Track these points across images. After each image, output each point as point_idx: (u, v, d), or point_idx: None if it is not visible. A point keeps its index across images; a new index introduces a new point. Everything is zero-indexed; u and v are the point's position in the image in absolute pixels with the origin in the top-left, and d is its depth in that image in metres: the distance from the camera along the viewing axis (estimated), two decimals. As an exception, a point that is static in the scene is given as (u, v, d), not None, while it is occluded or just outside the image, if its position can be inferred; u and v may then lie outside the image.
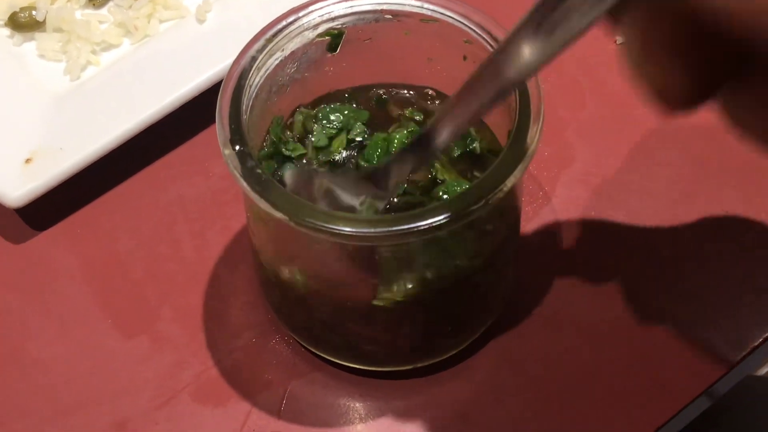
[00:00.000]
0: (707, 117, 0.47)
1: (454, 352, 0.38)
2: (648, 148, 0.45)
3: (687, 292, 0.40)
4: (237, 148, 0.30)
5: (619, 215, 0.43)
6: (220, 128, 0.30)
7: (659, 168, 0.44)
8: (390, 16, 0.34)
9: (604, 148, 0.45)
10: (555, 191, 0.43)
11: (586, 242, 0.42)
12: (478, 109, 0.24)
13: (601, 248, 0.42)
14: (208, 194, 0.44)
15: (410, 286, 0.33)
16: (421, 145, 0.27)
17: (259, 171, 0.29)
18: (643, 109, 0.46)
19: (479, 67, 0.23)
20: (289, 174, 0.31)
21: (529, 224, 0.42)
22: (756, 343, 0.39)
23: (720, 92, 0.22)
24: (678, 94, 0.22)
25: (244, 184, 0.29)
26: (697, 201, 0.43)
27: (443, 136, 0.26)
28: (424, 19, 0.33)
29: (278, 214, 0.28)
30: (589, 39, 0.51)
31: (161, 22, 0.48)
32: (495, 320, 0.39)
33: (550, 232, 0.42)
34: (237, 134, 0.30)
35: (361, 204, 0.29)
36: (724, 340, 0.39)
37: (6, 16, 0.48)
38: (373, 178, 0.29)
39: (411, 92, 0.37)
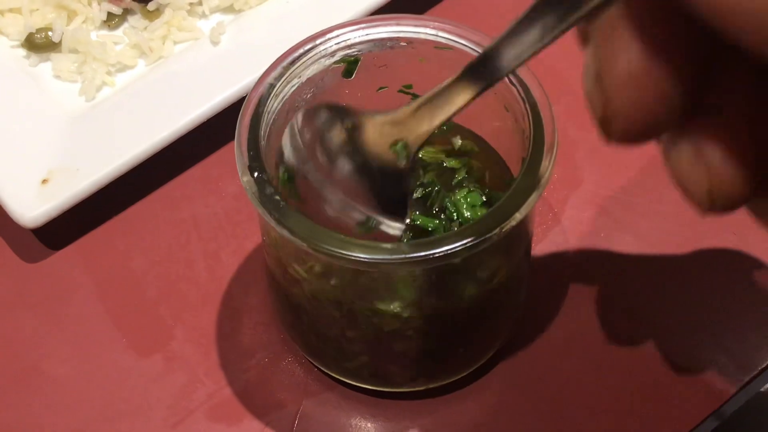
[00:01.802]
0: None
1: (465, 373, 0.38)
2: (657, 170, 0.45)
3: (696, 313, 0.41)
4: (256, 175, 0.30)
5: (629, 237, 0.43)
6: (239, 155, 0.31)
7: (668, 189, 0.44)
8: (405, 44, 0.34)
9: (614, 169, 0.45)
10: (564, 213, 0.44)
11: (596, 264, 0.42)
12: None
13: (610, 270, 0.42)
14: (222, 214, 0.45)
15: (423, 309, 0.33)
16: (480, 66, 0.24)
17: (277, 197, 0.30)
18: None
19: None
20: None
21: (539, 246, 0.43)
22: (765, 364, 0.39)
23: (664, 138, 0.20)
24: (625, 125, 0.19)
25: (263, 210, 0.29)
26: (706, 223, 0.43)
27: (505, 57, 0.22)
28: (439, 47, 0.34)
29: (296, 241, 0.29)
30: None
31: (176, 43, 0.49)
32: (506, 341, 0.39)
33: (560, 253, 0.43)
34: (255, 161, 0.30)
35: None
36: (733, 361, 0.39)
37: (22, 37, 0.49)
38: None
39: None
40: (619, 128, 0.19)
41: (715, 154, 0.19)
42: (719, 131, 0.19)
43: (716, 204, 0.19)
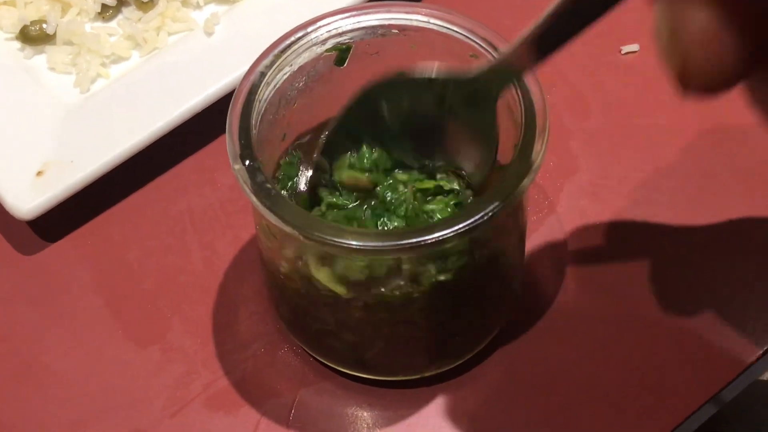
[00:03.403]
0: (711, 128, 0.47)
1: (461, 361, 0.38)
2: (652, 158, 0.45)
3: (693, 300, 0.41)
4: (247, 163, 0.30)
5: (624, 225, 0.43)
6: (230, 143, 0.31)
7: (663, 177, 0.44)
8: (397, 31, 0.34)
9: (609, 157, 0.45)
10: (560, 201, 0.44)
11: (591, 251, 0.42)
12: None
13: (606, 257, 0.42)
14: (217, 204, 0.45)
15: (417, 297, 0.33)
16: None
17: (268, 186, 0.30)
18: (648, 118, 0.46)
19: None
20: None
21: (534, 234, 0.42)
22: (763, 350, 0.39)
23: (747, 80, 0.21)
24: (701, 79, 0.20)
25: (254, 198, 0.29)
26: (701, 210, 0.43)
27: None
28: (430, 33, 0.34)
29: (288, 229, 0.29)
30: (594, 49, 0.52)
31: (170, 34, 0.49)
32: (502, 329, 0.39)
33: (555, 241, 0.43)
34: (247, 149, 0.30)
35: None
36: (731, 347, 0.39)
37: (17, 30, 0.49)
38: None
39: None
40: (698, 83, 0.20)
41: None
42: None
43: None
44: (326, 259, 0.33)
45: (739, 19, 0.19)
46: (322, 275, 0.33)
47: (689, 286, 0.41)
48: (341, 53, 0.34)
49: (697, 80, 0.20)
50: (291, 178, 0.36)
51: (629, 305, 0.41)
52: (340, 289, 0.33)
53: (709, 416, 0.44)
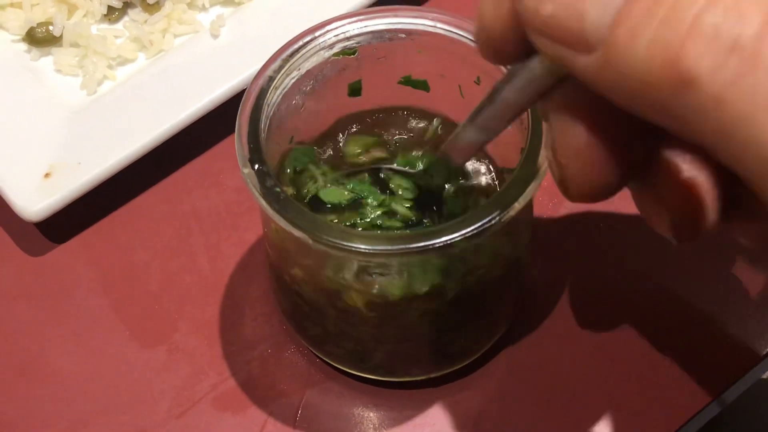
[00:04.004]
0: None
1: (466, 362, 0.39)
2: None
3: (697, 301, 0.41)
4: (256, 167, 0.30)
5: (629, 226, 0.43)
6: (239, 148, 0.31)
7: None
8: (404, 35, 0.34)
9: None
10: (564, 202, 0.44)
11: (596, 253, 0.42)
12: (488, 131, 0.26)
13: (611, 259, 0.42)
14: (223, 206, 0.45)
15: (423, 298, 0.34)
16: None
17: (277, 189, 0.30)
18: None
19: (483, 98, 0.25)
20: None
21: (539, 235, 0.43)
22: (766, 351, 0.39)
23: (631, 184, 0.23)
24: (581, 189, 0.22)
25: (264, 202, 0.30)
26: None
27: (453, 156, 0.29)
28: (437, 38, 0.34)
29: (297, 232, 0.29)
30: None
31: (176, 36, 0.49)
32: (506, 330, 0.39)
33: (560, 242, 0.43)
34: (256, 153, 0.31)
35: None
36: (734, 347, 0.39)
37: (23, 32, 0.49)
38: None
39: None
40: (574, 191, 0.22)
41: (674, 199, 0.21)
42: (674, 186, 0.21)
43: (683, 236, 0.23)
44: (331, 263, 0.33)
45: (611, 139, 0.21)
46: (356, 296, 0.33)
47: (694, 286, 0.41)
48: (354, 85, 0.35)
49: (574, 189, 0.22)
50: (302, 161, 0.36)
51: (633, 306, 0.41)
52: (365, 311, 0.33)
53: (713, 416, 0.45)
